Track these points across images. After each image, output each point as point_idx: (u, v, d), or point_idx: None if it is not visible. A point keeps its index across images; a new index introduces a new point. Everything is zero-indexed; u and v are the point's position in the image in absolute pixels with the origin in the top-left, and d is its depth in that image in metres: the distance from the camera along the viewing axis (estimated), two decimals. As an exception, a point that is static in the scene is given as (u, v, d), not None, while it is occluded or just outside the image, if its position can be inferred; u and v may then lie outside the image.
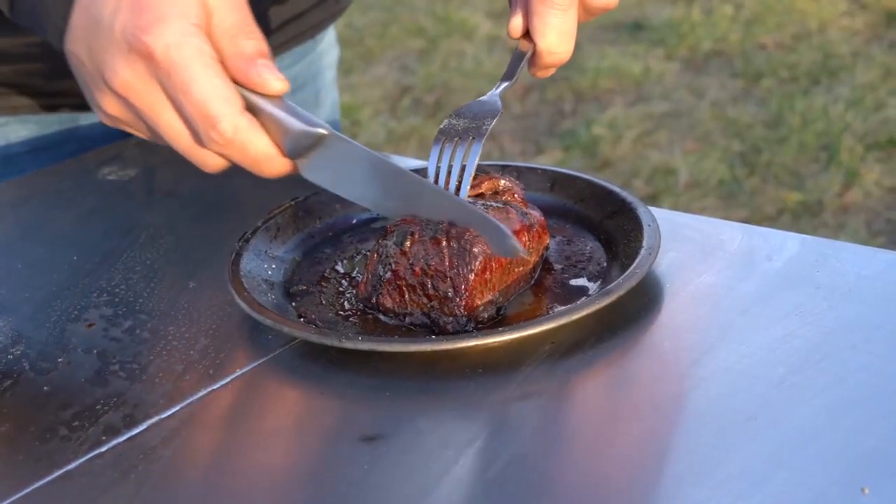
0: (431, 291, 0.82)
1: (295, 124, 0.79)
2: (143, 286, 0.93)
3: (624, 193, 0.92)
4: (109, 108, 0.81)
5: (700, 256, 0.89)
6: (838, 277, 0.84)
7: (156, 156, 1.14)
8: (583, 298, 0.84)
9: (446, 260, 0.81)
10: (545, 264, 0.89)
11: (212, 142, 0.77)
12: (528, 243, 0.85)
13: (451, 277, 0.81)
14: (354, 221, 0.96)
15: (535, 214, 0.87)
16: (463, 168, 0.86)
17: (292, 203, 0.95)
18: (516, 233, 0.82)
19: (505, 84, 0.91)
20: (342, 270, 0.91)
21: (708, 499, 0.66)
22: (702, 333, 0.80)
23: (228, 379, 0.80)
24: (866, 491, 0.65)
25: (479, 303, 0.82)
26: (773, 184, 2.94)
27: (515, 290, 0.86)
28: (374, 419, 0.75)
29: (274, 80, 0.78)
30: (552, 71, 0.92)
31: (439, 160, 0.86)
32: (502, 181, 0.89)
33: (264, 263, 0.89)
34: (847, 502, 0.64)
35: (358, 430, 0.74)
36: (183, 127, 0.78)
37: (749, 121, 3.23)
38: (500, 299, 0.84)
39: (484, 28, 3.88)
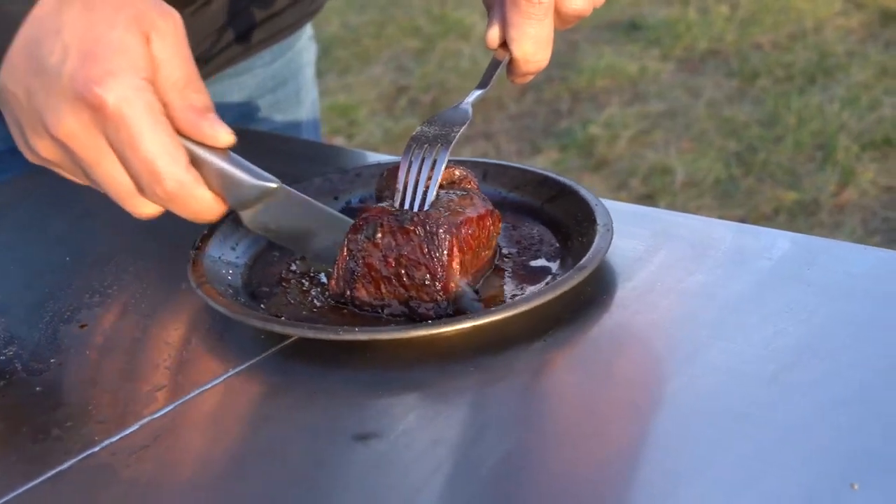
0: (408, 281, 0.83)
1: (245, 179, 0.82)
2: (136, 287, 0.93)
3: (560, 178, 0.96)
4: (44, 152, 0.81)
5: (691, 255, 0.89)
6: (829, 275, 0.85)
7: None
8: (574, 269, 0.84)
9: (417, 247, 0.82)
10: (498, 250, 0.92)
11: (155, 196, 0.79)
12: (491, 227, 0.87)
13: (425, 264, 0.82)
14: None
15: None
16: (431, 174, 0.87)
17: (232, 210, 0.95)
18: (482, 217, 0.86)
19: (478, 93, 0.93)
20: (298, 270, 0.92)
21: (699, 496, 0.66)
22: (693, 331, 0.80)
23: (220, 379, 0.80)
24: (856, 487, 0.65)
25: (454, 287, 0.83)
26: (770, 183, 2.94)
27: (482, 274, 0.88)
28: (366, 418, 0.75)
29: (224, 133, 0.80)
30: (530, 77, 0.94)
31: (408, 169, 0.88)
32: (457, 171, 0.91)
33: (221, 269, 0.90)
34: (837, 498, 0.64)
35: (350, 429, 0.74)
36: (124, 177, 0.79)
37: (745, 120, 3.23)
38: (473, 283, 0.86)
39: (480, 28, 3.88)
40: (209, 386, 0.79)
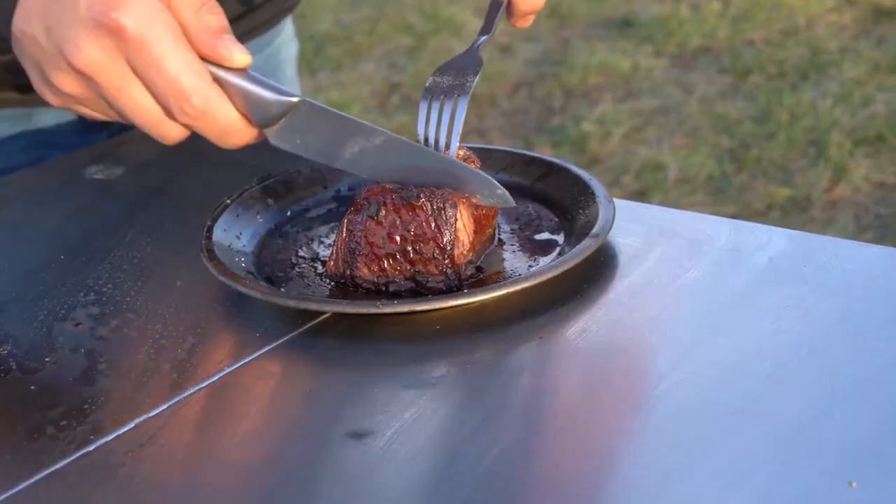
0: (414, 256, 0.84)
1: (267, 95, 0.81)
2: (131, 285, 0.92)
3: (547, 157, 0.98)
4: (66, 87, 0.80)
5: (687, 252, 0.89)
6: (825, 272, 0.85)
7: (143, 154, 1.14)
8: (585, 241, 0.86)
9: (424, 222, 0.84)
10: (498, 227, 0.94)
11: (183, 115, 0.79)
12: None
13: (433, 238, 0.84)
14: (289, 213, 0.99)
15: None
16: (451, 125, 0.88)
17: (228, 202, 0.96)
18: None
19: (483, 38, 0.93)
20: (307, 256, 0.93)
21: (695, 493, 0.66)
22: (689, 328, 0.80)
23: (215, 377, 0.80)
24: (854, 484, 0.65)
25: (462, 261, 0.85)
26: (762, 179, 2.94)
27: (484, 250, 0.90)
28: (362, 416, 0.75)
29: (239, 52, 0.80)
30: (531, 19, 0.94)
31: (427, 118, 0.89)
32: (461, 151, 0.92)
33: (234, 258, 0.90)
34: (834, 496, 0.64)
35: (345, 428, 0.74)
36: (151, 102, 0.79)
37: (737, 116, 3.23)
38: (475, 259, 0.88)
39: (472, 25, 3.88)
40: (204, 384, 0.79)
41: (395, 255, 0.85)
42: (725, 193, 2.90)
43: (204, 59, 0.79)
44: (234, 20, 1.22)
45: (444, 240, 0.84)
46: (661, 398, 0.74)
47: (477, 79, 0.90)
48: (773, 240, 0.89)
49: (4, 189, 1.14)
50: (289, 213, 0.99)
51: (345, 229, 0.86)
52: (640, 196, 2.92)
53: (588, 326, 0.81)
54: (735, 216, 2.73)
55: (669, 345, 0.79)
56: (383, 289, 0.86)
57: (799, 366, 0.75)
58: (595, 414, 0.74)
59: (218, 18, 0.80)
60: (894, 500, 0.64)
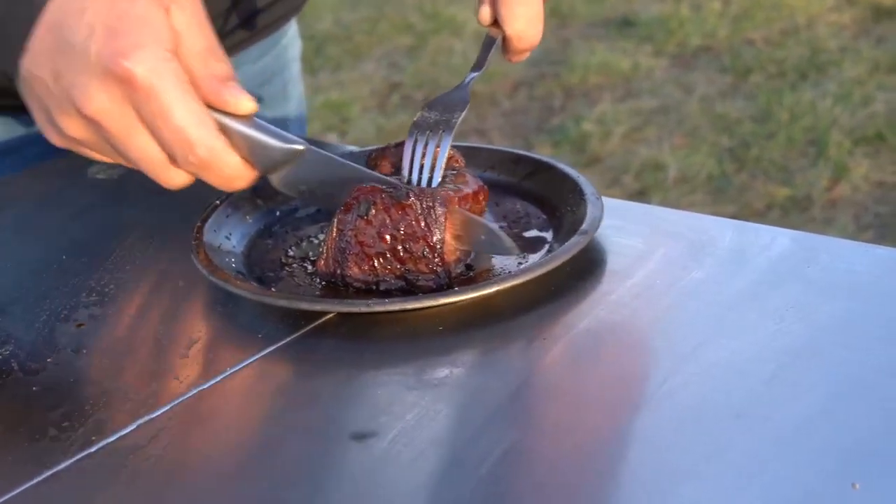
0: (404, 255, 0.85)
1: (272, 142, 0.83)
2: (133, 286, 0.92)
3: (534, 155, 0.99)
4: (72, 131, 0.81)
5: (690, 253, 0.89)
6: (829, 273, 0.84)
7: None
8: (574, 238, 0.86)
9: (414, 221, 0.84)
10: None
11: (188, 164, 0.80)
12: (483, 201, 0.90)
13: (422, 237, 0.84)
14: (278, 213, 0.99)
15: None
16: (435, 160, 0.90)
17: (218, 203, 0.96)
18: (475, 193, 0.89)
19: (474, 74, 0.95)
20: (297, 256, 0.93)
21: (698, 495, 0.66)
22: (691, 329, 0.80)
23: (217, 379, 0.80)
24: (857, 486, 0.65)
25: (451, 259, 0.86)
26: (762, 179, 2.94)
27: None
28: (365, 417, 0.75)
29: (245, 100, 0.81)
30: (526, 55, 0.96)
31: (412, 153, 0.91)
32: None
33: (224, 258, 0.90)
34: (837, 498, 0.64)
35: (347, 429, 0.74)
36: (155, 149, 0.80)
37: (737, 116, 3.23)
38: (465, 257, 0.88)
39: (472, 24, 3.88)
40: (206, 386, 0.79)
41: (386, 254, 0.85)
42: (725, 193, 2.90)
43: (210, 106, 0.80)
44: (242, 22, 1.23)
45: (434, 238, 0.85)
46: (664, 399, 0.74)
47: (463, 115, 0.92)
48: (776, 241, 0.89)
49: (6, 190, 1.14)
50: (277, 214, 0.99)
51: (335, 229, 0.87)
52: (640, 196, 2.92)
53: (591, 328, 0.81)
54: (735, 216, 2.73)
55: (672, 346, 0.79)
56: (374, 288, 0.86)
57: (802, 367, 0.75)
58: (598, 415, 0.74)
59: (224, 66, 0.81)
60: (898, 502, 0.64)
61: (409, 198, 0.85)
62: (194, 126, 0.78)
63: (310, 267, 0.92)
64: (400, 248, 0.85)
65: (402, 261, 0.85)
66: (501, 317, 0.83)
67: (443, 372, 0.79)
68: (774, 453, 0.68)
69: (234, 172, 0.82)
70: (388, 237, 0.85)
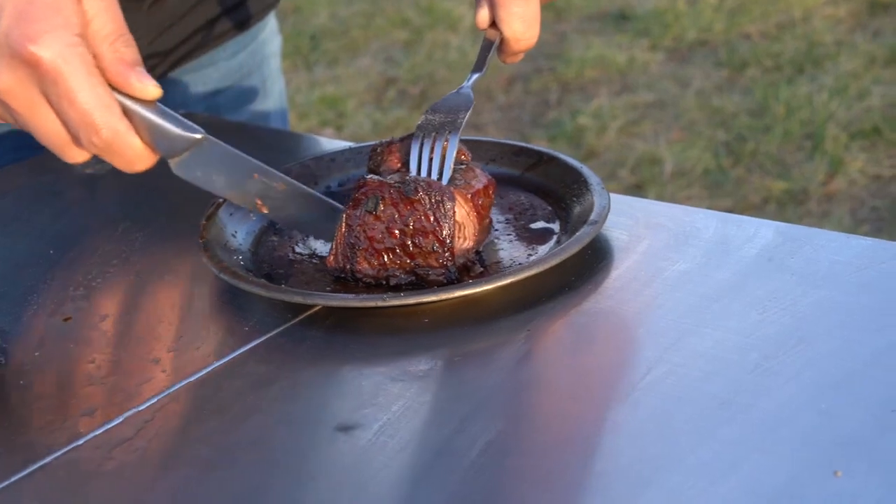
0: (414, 249, 0.85)
1: (173, 129, 0.85)
2: (120, 280, 0.93)
3: (536, 147, 0.99)
4: None
5: (674, 244, 0.89)
6: (812, 264, 0.85)
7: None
8: (584, 228, 0.86)
9: (423, 216, 0.84)
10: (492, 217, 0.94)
11: (92, 146, 0.82)
12: (492, 194, 0.91)
13: (432, 231, 0.85)
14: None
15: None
16: (443, 161, 0.90)
17: (223, 201, 0.95)
18: (486, 187, 0.89)
19: (476, 76, 0.96)
20: (305, 252, 0.93)
21: (682, 483, 0.66)
22: (676, 320, 0.80)
23: (204, 371, 0.80)
24: (839, 474, 0.65)
25: (460, 252, 0.86)
26: (758, 173, 2.94)
27: (482, 240, 0.90)
28: (351, 408, 0.75)
29: (151, 86, 0.83)
30: (521, 56, 0.97)
31: (419, 156, 0.91)
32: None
33: (232, 256, 0.90)
34: (820, 485, 0.65)
35: (333, 421, 0.74)
36: (59, 127, 0.82)
37: (734, 110, 3.23)
38: (475, 247, 0.89)
39: (468, 19, 3.87)
40: (193, 378, 0.79)
41: (395, 249, 0.85)
42: (722, 187, 2.90)
43: (116, 89, 0.82)
44: (217, 17, 1.23)
45: (444, 233, 0.85)
46: (647, 389, 0.74)
47: (468, 115, 0.92)
48: (760, 232, 0.89)
49: (-5, 184, 1.15)
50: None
51: (344, 224, 0.86)
52: (637, 190, 2.92)
53: (576, 319, 0.81)
54: (731, 209, 2.73)
55: (656, 337, 0.79)
56: (384, 283, 0.86)
57: (785, 357, 0.75)
58: (582, 405, 0.75)
59: (131, 51, 0.82)
60: (878, 489, 0.64)
61: (418, 192, 0.85)
62: (99, 109, 0.80)
63: (318, 262, 0.91)
64: (409, 242, 0.85)
65: (411, 255, 0.85)
66: (486, 309, 0.83)
67: (428, 364, 0.79)
68: (758, 442, 0.68)
69: (135, 155, 0.83)
70: (396, 232, 0.85)
